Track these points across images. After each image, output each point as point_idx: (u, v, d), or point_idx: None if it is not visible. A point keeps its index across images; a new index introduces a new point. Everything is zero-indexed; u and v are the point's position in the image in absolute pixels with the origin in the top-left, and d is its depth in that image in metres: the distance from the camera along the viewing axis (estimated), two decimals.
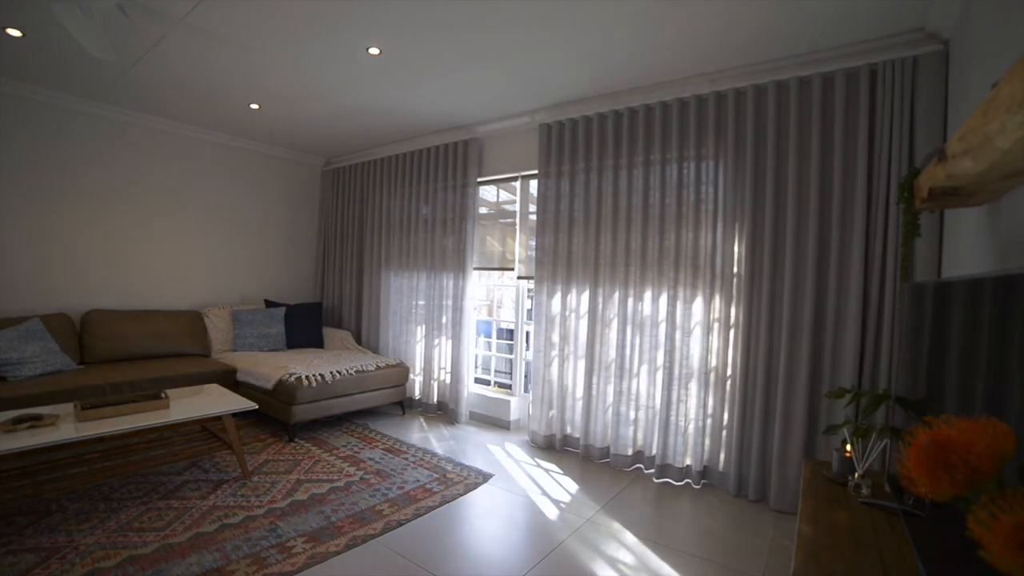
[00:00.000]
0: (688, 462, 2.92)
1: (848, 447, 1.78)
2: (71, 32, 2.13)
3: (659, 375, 3.01)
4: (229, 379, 3.71)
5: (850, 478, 1.70)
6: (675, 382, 2.95)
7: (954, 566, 0.97)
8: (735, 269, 2.79)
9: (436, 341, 4.15)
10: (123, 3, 2.07)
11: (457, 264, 4.01)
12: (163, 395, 2.70)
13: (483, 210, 4.15)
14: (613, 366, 3.19)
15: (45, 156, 3.63)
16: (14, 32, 2.65)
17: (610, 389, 3.22)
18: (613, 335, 3.20)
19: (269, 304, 4.72)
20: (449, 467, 3.01)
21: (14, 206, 3.51)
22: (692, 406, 2.91)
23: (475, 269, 4.00)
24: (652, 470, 3.01)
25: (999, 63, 1.50)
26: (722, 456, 2.84)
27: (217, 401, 2.78)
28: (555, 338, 3.45)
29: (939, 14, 2.09)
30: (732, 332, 2.81)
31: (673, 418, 2.95)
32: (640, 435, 3.12)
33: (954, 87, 2.11)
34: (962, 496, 0.61)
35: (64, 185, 3.73)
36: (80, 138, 3.78)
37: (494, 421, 3.97)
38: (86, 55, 2.91)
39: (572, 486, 2.84)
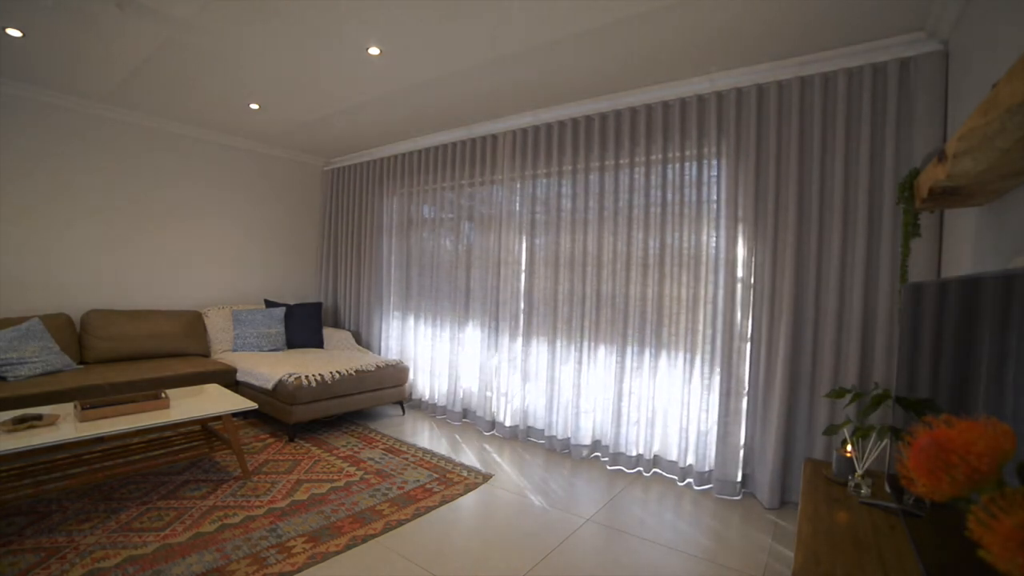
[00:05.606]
0: (640, 451, 3.10)
1: (848, 447, 1.78)
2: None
3: (614, 369, 3.20)
4: (229, 379, 3.71)
5: (850, 478, 1.70)
6: (626, 375, 3.14)
7: (954, 566, 0.97)
8: (702, 261, 2.88)
9: (459, 346, 4.05)
10: (122, 2, 2.07)
11: (484, 263, 3.88)
12: (163, 395, 2.70)
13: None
14: (572, 371, 3.38)
15: (46, 156, 3.62)
16: (14, 32, 2.65)
17: (570, 384, 3.38)
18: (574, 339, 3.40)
19: (269, 304, 4.72)
20: (449, 467, 3.01)
21: (14, 206, 3.51)
22: (643, 399, 3.09)
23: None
24: (607, 458, 3.20)
25: (999, 63, 1.50)
26: (673, 447, 3.04)
27: (217, 401, 2.78)
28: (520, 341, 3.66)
29: (939, 14, 2.09)
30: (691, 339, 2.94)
31: (625, 409, 3.14)
32: (597, 426, 3.30)
33: (954, 87, 2.11)
34: (962, 496, 0.61)
35: (64, 185, 3.73)
36: (80, 138, 3.78)
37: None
38: (87, 55, 2.92)
39: (570, 485, 2.84)
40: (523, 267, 3.67)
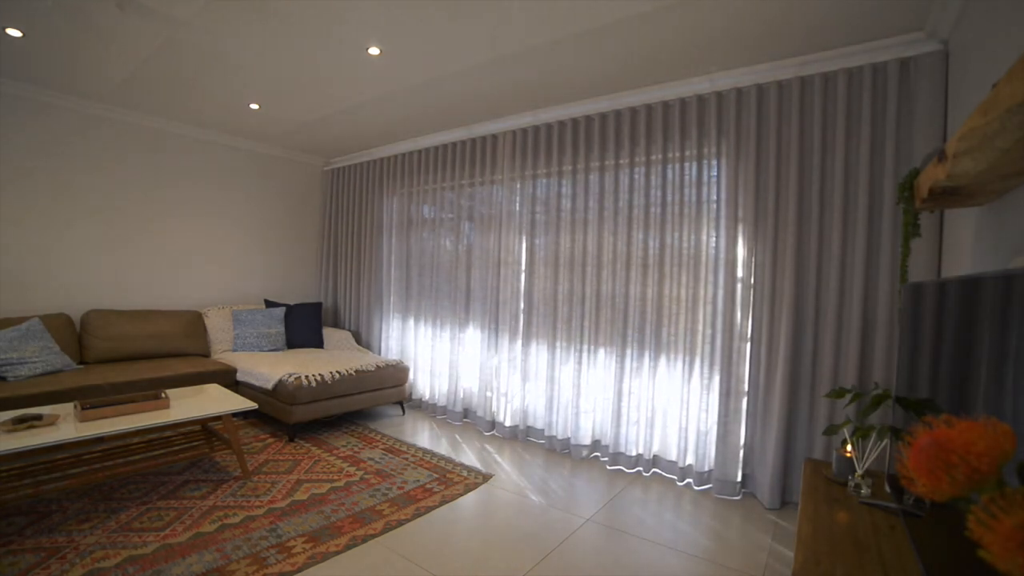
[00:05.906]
0: (640, 451, 3.10)
1: (848, 447, 1.78)
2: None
3: (612, 370, 3.21)
4: (229, 379, 3.72)
5: (850, 478, 1.70)
6: (625, 375, 3.15)
7: (954, 566, 0.97)
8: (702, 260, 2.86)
9: (459, 346, 4.03)
10: (122, 2, 2.07)
11: (484, 263, 3.86)
12: (163, 395, 2.70)
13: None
14: (571, 372, 3.39)
15: (45, 156, 3.62)
16: (14, 32, 2.65)
17: (570, 383, 3.39)
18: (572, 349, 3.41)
19: (269, 304, 4.72)
20: (449, 467, 3.01)
21: (14, 206, 3.51)
22: (643, 399, 3.09)
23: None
24: (606, 458, 3.20)
25: (999, 63, 1.50)
26: (673, 447, 3.04)
27: (217, 401, 2.78)
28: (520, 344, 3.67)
29: (939, 14, 2.09)
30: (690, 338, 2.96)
31: (625, 409, 3.15)
32: (597, 426, 3.30)
33: (954, 87, 2.11)
34: (962, 496, 0.61)
35: (64, 185, 3.73)
36: (81, 138, 3.78)
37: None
38: (87, 55, 2.91)
39: (570, 485, 2.84)
40: (523, 267, 3.68)
